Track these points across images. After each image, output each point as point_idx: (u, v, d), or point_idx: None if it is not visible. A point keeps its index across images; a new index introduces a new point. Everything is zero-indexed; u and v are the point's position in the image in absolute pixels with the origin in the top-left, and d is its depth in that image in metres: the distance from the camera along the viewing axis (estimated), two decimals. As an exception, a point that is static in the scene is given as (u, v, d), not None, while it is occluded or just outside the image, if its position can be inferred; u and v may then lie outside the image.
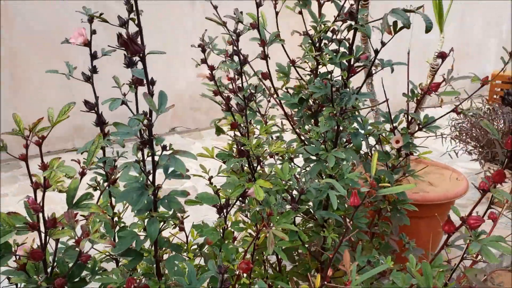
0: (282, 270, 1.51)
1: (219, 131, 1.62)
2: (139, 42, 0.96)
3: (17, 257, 0.87)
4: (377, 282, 1.33)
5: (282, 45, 1.39)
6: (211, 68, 1.27)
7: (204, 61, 1.30)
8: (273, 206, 1.13)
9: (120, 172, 1.03)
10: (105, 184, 1.21)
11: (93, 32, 1.20)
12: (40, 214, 0.84)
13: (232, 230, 1.32)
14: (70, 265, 0.90)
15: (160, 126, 4.35)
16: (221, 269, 0.89)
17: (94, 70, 1.27)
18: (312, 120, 1.43)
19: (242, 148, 1.31)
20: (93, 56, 1.24)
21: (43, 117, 0.80)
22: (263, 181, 1.19)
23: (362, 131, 1.28)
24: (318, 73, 1.42)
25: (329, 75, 1.25)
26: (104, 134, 1.28)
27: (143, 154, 1.23)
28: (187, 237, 1.46)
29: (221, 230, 1.30)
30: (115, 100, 1.11)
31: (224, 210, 1.29)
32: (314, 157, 1.30)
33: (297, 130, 1.44)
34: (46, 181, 0.78)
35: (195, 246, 1.45)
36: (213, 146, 1.50)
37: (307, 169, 1.34)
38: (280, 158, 1.60)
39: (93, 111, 1.27)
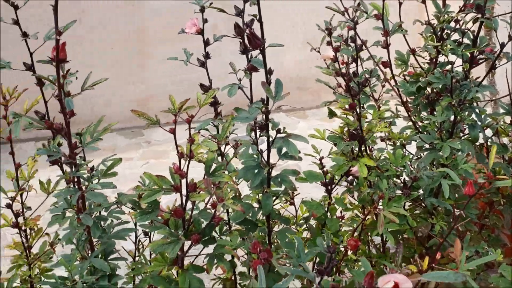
0: (385, 251, 1.57)
1: (331, 113, 1.69)
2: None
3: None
4: (484, 274, 1.33)
5: (404, 35, 1.42)
6: (336, 50, 1.34)
7: (329, 43, 1.37)
8: (385, 190, 1.18)
9: (241, 150, 1.15)
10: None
11: (205, 21, 1.31)
12: (183, 180, 0.98)
13: (336, 206, 1.40)
14: (204, 224, 1.05)
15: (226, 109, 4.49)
16: (330, 249, 0.97)
17: (207, 56, 1.39)
18: (428, 109, 1.44)
19: (353, 131, 1.38)
20: (206, 43, 1.36)
21: (189, 98, 0.93)
22: (367, 159, 1.25)
23: (480, 123, 1.28)
24: (438, 62, 1.42)
25: (450, 66, 1.26)
26: (217, 113, 1.39)
27: (256, 135, 1.35)
28: (296, 211, 1.57)
29: (326, 206, 1.39)
30: (232, 86, 1.23)
31: (329, 187, 1.38)
32: (428, 146, 1.32)
33: (412, 117, 1.46)
34: (191, 152, 0.92)
35: (303, 221, 1.56)
36: (316, 126, 1.56)
37: (419, 156, 1.37)
38: (392, 144, 1.64)
39: (205, 92, 1.40)
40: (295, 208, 1.55)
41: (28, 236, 1.37)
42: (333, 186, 1.34)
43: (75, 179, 0.97)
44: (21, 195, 1.34)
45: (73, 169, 0.94)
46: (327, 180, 1.35)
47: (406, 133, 1.58)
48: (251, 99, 1.28)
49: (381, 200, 1.19)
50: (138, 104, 3.85)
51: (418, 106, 1.49)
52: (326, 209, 1.36)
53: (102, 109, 3.28)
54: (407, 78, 1.56)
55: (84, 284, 0.96)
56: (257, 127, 1.08)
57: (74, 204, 0.98)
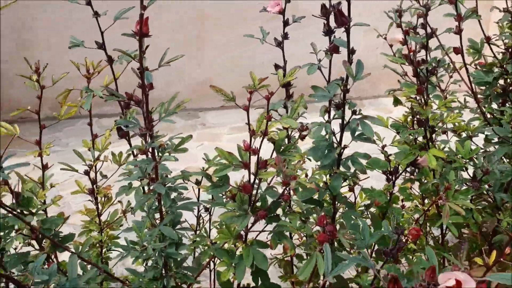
0: (444, 243, 1.54)
1: (396, 101, 1.66)
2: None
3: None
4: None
5: (479, 21, 1.37)
6: (406, 32, 1.31)
7: (399, 25, 1.35)
8: (453, 181, 1.16)
9: (314, 129, 1.16)
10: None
11: (287, 1, 1.32)
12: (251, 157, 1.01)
13: (399, 195, 1.38)
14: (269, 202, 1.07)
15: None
16: (398, 230, 0.97)
17: (285, 36, 1.40)
18: (500, 100, 1.39)
19: (421, 119, 1.35)
20: (285, 23, 1.36)
21: (267, 77, 0.94)
22: (437, 150, 1.23)
23: (560, 117, 1.23)
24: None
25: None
26: (288, 95, 1.41)
27: (329, 116, 1.34)
28: (355, 198, 1.57)
29: (388, 194, 1.38)
30: (312, 65, 1.24)
31: (393, 176, 1.36)
32: (498, 139, 1.29)
33: (483, 108, 1.42)
34: (266, 129, 0.93)
35: (362, 208, 1.55)
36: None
37: (487, 150, 1.33)
38: (457, 136, 1.60)
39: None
40: (354, 195, 1.54)
41: (98, 204, 1.45)
42: (397, 175, 1.32)
43: (150, 150, 1.01)
44: (95, 166, 1.41)
45: (149, 140, 0.98)
46: (391, 169, 1.34)
47: (474, 125, 1.54)
48: (328, 80, 1.29)
49: (446, 191, 1.17)
50: (195, 87, 3.93)
51: (488, 97, 1.45)
52: (388, 198, 1.35)
53: (162, 90, 3.36)
54: (479, 68, 1.51)
55: (153, 250, 1.00)
56: (333, 107, 1.08)
57: (149, 174, 1.02)
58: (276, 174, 0.95)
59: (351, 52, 1.10)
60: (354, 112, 1.14)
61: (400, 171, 1.35)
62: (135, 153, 1.36)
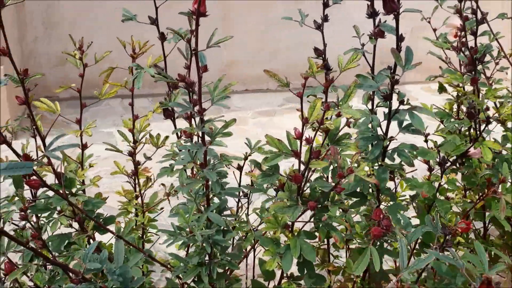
0: (486, 237, 1.51)
1: (441, 88, 1.61)
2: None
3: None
4: None
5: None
6: (466, 18, 1.25)
7: (458, 11, 1.29)
8: (507, 173, 1.12)
9: (361, 120, 1.12)
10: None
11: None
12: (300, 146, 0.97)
13: (447, 187, 1.34)
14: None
15: (349, 77, 4.39)
16: (445, 230, 0.93)
17: (325, 18, 1.35)
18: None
19: (471, 109, 1.30)
20: (325, 5, 1.31)
21: (325, 62, 0.90)
22: (492, 142, 1.18)
23: None
24: None
25: None
26: (329, 82, 1.36)
27: (372, 105, 1.30)
28: (395, 188, 1.53)
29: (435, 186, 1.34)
30: (356, 51, 1.19)
31: (441, 168, 1.31)
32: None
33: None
34: (322, 119, 0.90)
35: (402, 198, 1.51)
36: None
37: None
38: (502, 126, 1.54)
39: (321, 57, 1.37)
40: (395, 184, 1.51)
41: (137, 186, 1.43)
42: (446, 166, 1.27)
43: (200, 135, 0.98)
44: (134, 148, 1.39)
45: (200, 124, 0.95)
46: (440, 160, 1.29)
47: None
48: (372, 66, 1.24)
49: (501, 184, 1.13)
50: (221, 69, 3.90)
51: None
52: (436, 189, 1.30)
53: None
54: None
55: (201, 236, 0.98)
56: (380, 96, 1.04)
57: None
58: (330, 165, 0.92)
59: (400, 39, 1.05)
60: (401, 103, 1.09)
61: (451, 163, 1.31)
62: (179, 135, 1.34)
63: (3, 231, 0.62)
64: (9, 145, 0.83)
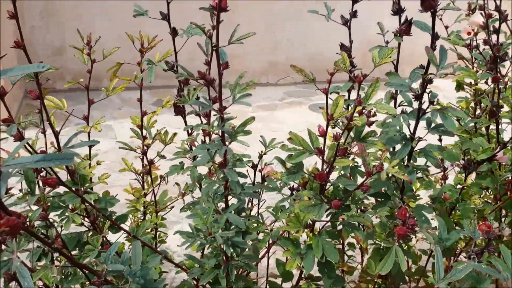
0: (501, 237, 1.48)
1: (459, 86, 1.58)
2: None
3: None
4: None
5: None
6: (489, 16, 1.22)
7: (482, 7, 1.26)
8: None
9: (393, 121, 1.09)
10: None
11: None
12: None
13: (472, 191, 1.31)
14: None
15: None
16: (489, 235, 0.90)
17: (354, 14, 1.32)
18: None
19: (494, 108, 1.28)
20: (355, 0, 1.29)
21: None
22: (521, 147, 1.15)
23: None
24: None
25: None
26: (351, 78, 1.34)
27: (395, 104, 1.27)
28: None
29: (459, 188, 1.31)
30: (381, 48, 1.16)
31: (466, 171, 1.28)
32: None
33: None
34: (352, 116, 0.87)
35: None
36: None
37: None
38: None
39: (347, 53, 1.34)
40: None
41: (146, 184, 1.40)
42: (470, 170, 1.24)
43: (220, 133, 0.95)
44: (143, 144, 1.36)
45: (221, 122, 0.92)
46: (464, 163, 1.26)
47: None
48: (396, 65, 1.21)
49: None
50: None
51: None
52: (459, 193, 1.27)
53: (186, 64, 3.31)
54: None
55: (221, 238, 0.95)
56: (414, 98, 1.00)
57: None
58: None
59: (435, 37, 1.02)
60: (432, 103, 1.06)
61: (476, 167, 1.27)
62: (189, 132, 1.31)
63: (31, 231, 0.58)
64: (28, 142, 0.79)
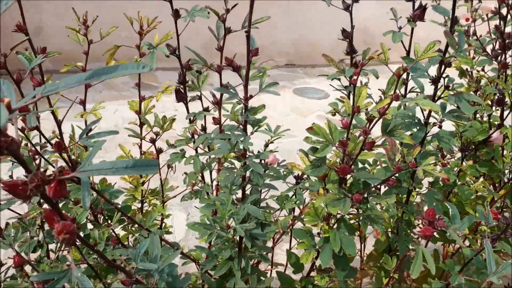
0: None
1: (462, 73, 1.58)
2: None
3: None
4: None
5: None
6: (501, 1, 1.22)
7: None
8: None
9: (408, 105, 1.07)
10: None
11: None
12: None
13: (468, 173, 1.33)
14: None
15: (332, 55, 4.34)
16: (507, 220, 0.91)
17: None
18: None
19: (501, 95, 1.29)
20: None
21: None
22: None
23: None
24: None
25: None
26: (353, 63, 1.32)
27: (405, 90, 1.26)
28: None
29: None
30: (395, 33, 1.15)
31: (463, 154, 1.30)
32: None
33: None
34: (384, 109, 0.85)
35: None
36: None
37: None
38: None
39: (347, 39, 1.32)
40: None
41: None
42: (468, 152, 1.26)
43: (242, 123, 0.91)
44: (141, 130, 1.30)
45: (244, 112, 0.88)
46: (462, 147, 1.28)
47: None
48: (408, 51, 1.20)
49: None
50: (204, 44, 3.78)
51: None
52: (456, 175, 1.29)
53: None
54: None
55: (243, 230, 0.92)
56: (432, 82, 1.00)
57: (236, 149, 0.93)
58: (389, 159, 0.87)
59: (454, 21, 1.01)
60: (447, 87, 1.06)
61: (472, 148, 1.29)
62: (191, 119, 1.26)
63: (79, 236, 0.54)
64: (42, 132, 0.73)
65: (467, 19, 1.64)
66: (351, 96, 1.22)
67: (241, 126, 1.14)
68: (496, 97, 1.31)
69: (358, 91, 0.93)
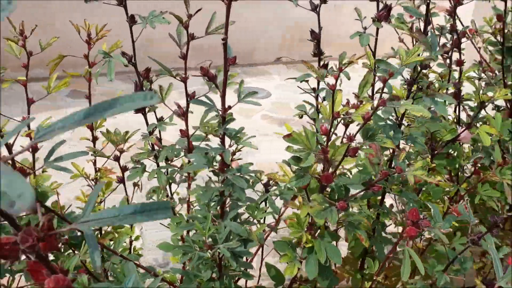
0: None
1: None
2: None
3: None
4: None
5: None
6: (457, 1, 1.23)
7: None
8: (499, 156, 1.14)
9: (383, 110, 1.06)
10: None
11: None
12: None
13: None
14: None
15: (267, 54, 4.33)
16: (494, 218, 0.92)
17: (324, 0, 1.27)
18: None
19: (457, 91, 1.31)
20: None
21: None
22: (488, 127, 1.20)
23: None
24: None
25: None
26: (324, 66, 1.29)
27: (373, 92, 1.25)
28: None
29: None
30: (362, 35, 1.13)
31: (432, 153, 1.32)
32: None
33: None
34: (336, 112, 0.82)
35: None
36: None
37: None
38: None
39: (315, 41, 1.30)
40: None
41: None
42: (437, 151, 1.27)
43: (220, 136, 0.85)
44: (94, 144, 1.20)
45: (222, 124, 0.82)
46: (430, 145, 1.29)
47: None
48: (374, 51, 1.19)
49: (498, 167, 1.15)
50: (139, 46, 3.62)
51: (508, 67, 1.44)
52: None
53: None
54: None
55: (227, 249, 0.87)
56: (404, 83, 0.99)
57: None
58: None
59: (428, 23, 1.01)
60: (420, 89, 1.06)
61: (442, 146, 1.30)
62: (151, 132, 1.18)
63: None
64: None
65: (411, 16, 1.67)
66: (320, 99, 1.21)
67: (208, 137, 1.09)
68: (452, 92, 1.34)
69: (333, 96, 0.90)
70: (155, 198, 1.18)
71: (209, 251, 0.87)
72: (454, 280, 1.06)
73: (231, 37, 0.90)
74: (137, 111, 1.17)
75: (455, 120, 1.40)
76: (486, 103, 1.19)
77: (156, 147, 1.18)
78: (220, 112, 0.81)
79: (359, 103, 0.95)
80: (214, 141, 0.94)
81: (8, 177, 0.28)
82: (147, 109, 1.18)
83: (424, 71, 1.47)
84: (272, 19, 4.45)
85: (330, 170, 0.91)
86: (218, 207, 0.93)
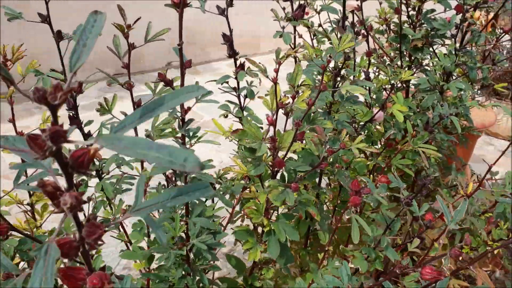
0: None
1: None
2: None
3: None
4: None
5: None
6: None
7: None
8: (411, 129, 1.31)
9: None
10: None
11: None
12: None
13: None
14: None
15: (157, 59, 4.33)
16: (425, 180, 1.07)
17: (230, 3, 1.35)
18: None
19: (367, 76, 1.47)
20: None
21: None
22: (400, 105, 1.36)
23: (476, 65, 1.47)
24: (421, 11, 1.57)
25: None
26: (241, 66, 1.38)
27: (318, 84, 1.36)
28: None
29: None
30: (284, 33, 1.24)
31: (356, 132, 1.46)
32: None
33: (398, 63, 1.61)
34: (280, 103, 0.92)
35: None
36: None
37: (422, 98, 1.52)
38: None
39: (228, 43, 1.38)
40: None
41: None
42: (358, 131, 1.42)
43: (180, 137, 0.90)
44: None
45: (182, 125, 0.87)
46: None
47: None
48: (294, 46, 1.29)
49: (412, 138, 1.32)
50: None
51: (401, 53, 1.64)
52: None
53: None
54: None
55: (203, 244, 0.92)
56: (331, 73, 1.11)
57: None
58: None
59: (344, 18, 1.14)
60: (342, 78, 1.19)
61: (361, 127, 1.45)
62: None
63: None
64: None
65: (307, 13, 1.82)
66: (242, 98, 1.28)
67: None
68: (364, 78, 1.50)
69: (272, 89, 0.99)
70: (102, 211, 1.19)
71: (184, 248, 0.91)
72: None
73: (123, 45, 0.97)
74: (73, 124, 1.16)
75: (366, 103, 1.57)
76: (395, 84, 1.36)
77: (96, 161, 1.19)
78: (179, 114, 0.85)
79: (295, 93, 1.05)
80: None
81: (167, 149, 0.32)
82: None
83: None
84: (158, 26, 4.44)
85: (281, 156, 0.99)
86: (183, 207, 0.97)
